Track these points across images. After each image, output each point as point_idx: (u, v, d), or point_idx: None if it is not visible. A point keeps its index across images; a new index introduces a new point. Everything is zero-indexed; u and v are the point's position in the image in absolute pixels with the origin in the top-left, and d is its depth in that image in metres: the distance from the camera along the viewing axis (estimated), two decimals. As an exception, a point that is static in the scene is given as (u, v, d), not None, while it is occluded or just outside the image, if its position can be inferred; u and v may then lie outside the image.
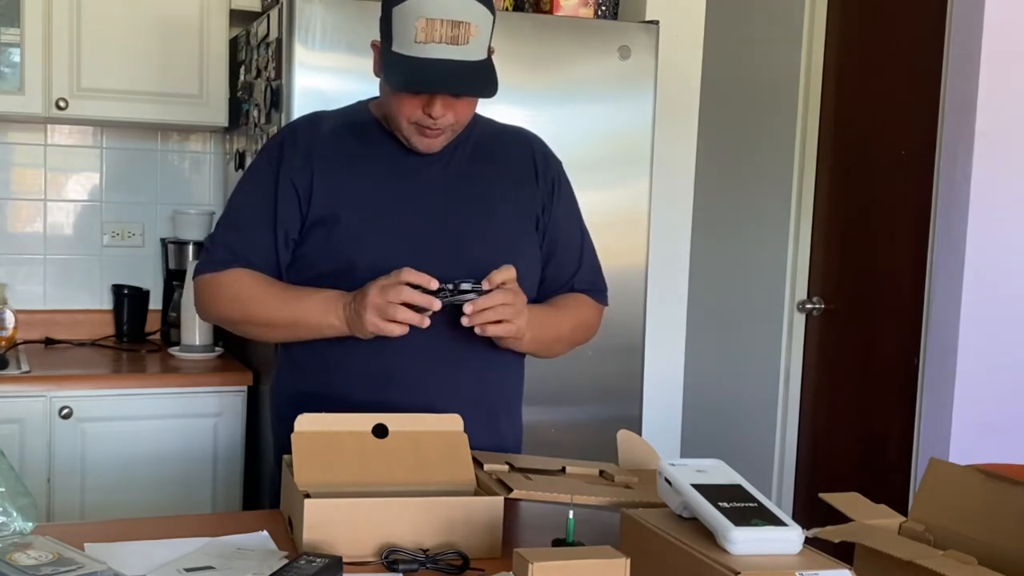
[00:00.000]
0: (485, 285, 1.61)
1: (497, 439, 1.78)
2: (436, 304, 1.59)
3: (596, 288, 1.92)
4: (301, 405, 1.66)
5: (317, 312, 1.68)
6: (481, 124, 1.83)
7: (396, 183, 1.74)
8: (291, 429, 1.80)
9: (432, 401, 1.65)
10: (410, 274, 1.59)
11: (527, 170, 1.83)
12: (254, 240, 1.75)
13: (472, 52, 1.60)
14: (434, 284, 1.59)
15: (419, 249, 1.72)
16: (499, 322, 1.63)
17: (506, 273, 1.63)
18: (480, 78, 1.63)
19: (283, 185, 1.74)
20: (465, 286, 1.61)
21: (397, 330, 1.60)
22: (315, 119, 1.83)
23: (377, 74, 1.72)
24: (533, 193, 1.83)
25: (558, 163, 1.89)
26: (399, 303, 1.58)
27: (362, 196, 1.73)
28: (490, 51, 1.66)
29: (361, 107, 1.82)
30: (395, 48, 1.61)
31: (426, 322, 1.60)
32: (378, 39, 1.70)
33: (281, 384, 1.86)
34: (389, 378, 1.71)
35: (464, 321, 1.61)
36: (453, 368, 1.74)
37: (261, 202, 1.75)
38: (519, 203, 1.81)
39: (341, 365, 1.73)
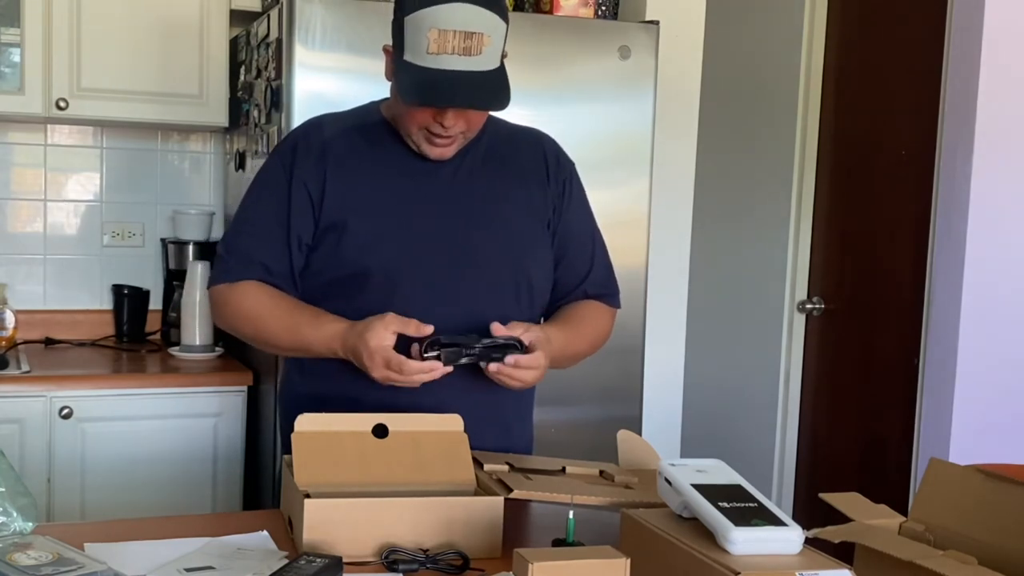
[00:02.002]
0: (524, 338, 1.64)
1: (507, 444, 1.77)
2: (442, 367, 1.61)
3: (608, 292, 1.92)
4: (310, 408, 1.66)
5: (319, 347, 1.70)
6: (493, 124, 1.81)
7: (407, 186, 1.74)
8: None
9: (442, 405, 1.64)
10: (412, 367, 1.60)
11: (539, 172, 1.82)
12: (268, 247, 1.74)
13: (484, 62, 1.59)
14: (439, 371, 1.61)
15: (429, 254, 1.71)
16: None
17: (539, 342, 1.65)
18: (492, 89, 1.61)
19: (296, 191, 1.73)
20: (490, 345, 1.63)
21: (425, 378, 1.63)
22: (326, 122, 1.81)
23: (389, 78, 1.71)
24: (544, 195, 1.82)
25: (570, 164, 1.89)
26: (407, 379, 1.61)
27: (373, 201, 1.73)
28: (503, 55, 1.65)
29: (372, 108, 1.81)
30: (407, 57, 1.60)
31: (448, 368, 1.62)
32: (389, 43, 1.68)
33: (290, 387, 1.86)
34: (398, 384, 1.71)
35: (484, 365, 1.63)
36: (464, 372, 1.73)
37: (274, 208, 1.74)
38: (531, 205, 1.80)
39: (350, 369, 1.73)
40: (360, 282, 1.70)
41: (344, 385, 1.72)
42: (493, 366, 1.61)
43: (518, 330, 1.64)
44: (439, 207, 1.74)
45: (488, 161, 1.78)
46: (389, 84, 1.72)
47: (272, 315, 1.73)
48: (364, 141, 1.76)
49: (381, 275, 1.69)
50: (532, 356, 1.63)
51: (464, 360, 1.61)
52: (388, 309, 1.69)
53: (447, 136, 1.66)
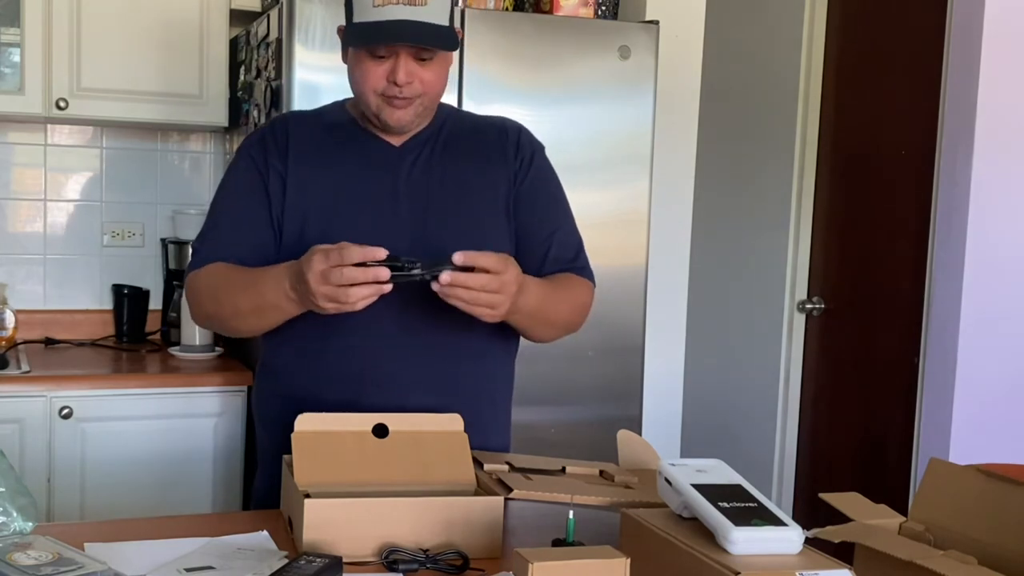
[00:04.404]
0: (457, 259, 1.51)
1: (481, 440, 1.71)
2: (383, 274, 1.49)
3: (577, 266, 1.85)
4: (276, 407, 1.64)
5: (272, 294, 1.63)
6: (458, 116, 1.84)
7: (368, 180, 1.74)
8: (268, 430, 1.81)
9: (406, 400, 1.64)
10: (352, 253, 1.49)
11: (498, 153, 1.81)
12: (245, 234, 1.73)
13: (432, 14, 1.61)
14: (381, 253, 1.49)
15: (387, 245, 1.68)
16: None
17: (499, 263, 1.55)
18: (438, 34, 1.63)
19: (273, 179, 1.73)
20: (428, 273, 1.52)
21: (360, 306, 1.52)
22: (291, 118, 1.83)
23: (345, 60, 1.73)
24: (503, 171, 1.80)
25: (535, 145, 1.86)
26: (347, 285, 1.50)
27: (334, 195, 1.73)
28: (457, 30, 1.68)
29: (337, 106, 1.82)
30: (356, 19, 1.64)
31: (386, 288, 1.50)
32: (343, 24, 1.70)
33: (259, 387, 1.86)
34: (360, 378, 1.70)
35: (434, 287, 1.53)
36: (428, 366, 1.72)
37: (252, 197, 1.74)
38: (493, 189, 1.79)
39: (313, 366, 1.73)
40: None
41: (307, 385, 1.72)
42: (435, 285, 1.52)
43: (481, 259, 1.54)
44: (398, 197, 1.73)
45: (448, 149, 1.78)
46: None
47: (228, 279, 1.70)
48: (328, 136, 1.77)
49: None
50: (473, 276, 1.53)
51: (404, 272, 1.50)
52: None
53: (403, 97, 1.66)
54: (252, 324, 1.73)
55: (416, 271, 1.52)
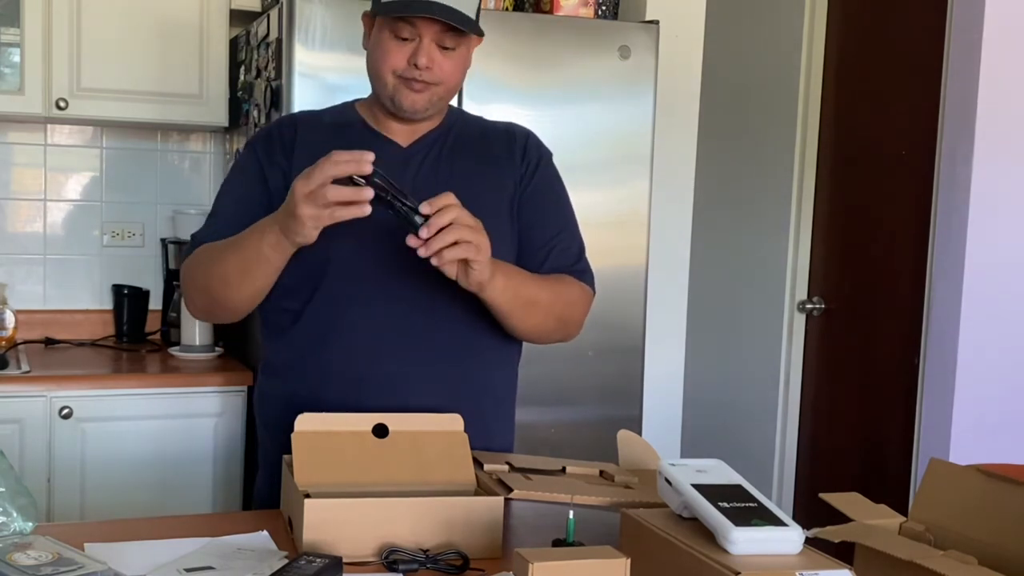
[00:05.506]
0: (425, 209, 1.51)
1: (484, 441, 1.71)
2: (368, 193, 1.49)
3: (576, 270, 1.84)
4: (277, 408, 1.63)
5: (253, 242, 1.62)
6: (465, 121, 1.84)
7: None
8: (269, 431, 1.80)
9: (407, 401, 1.64)
10: (335, 165, 1.48)
11: (505, 154, 1.82)
12: (245, 225, 1.70)
13: (460, 2, 1.64)
14: (368, 158, 1.48)
15: (390, 241, 1.70)
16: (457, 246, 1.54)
17: (447, 198, 1.54)
18: (465, 20, 1.66)
19: (272, 176, 1.73)
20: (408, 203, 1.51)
21: (346, 214, 1.51)
22: (299, 117, 1.84)
23: (365, 46, 1.74)
24: (509, 174, 1.80)
25: (542, 151, 1.87)
26: (332, 203, 1.50)
27: None
28: (478, 13, 1.71)
29: (347, 107, 1.83)
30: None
31: (366, 210, 1.50)
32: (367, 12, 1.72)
33: (260, 387, 1.86)
34: (362, 379, 1.70)
35: (413, 241, 1.51)
36: (430, 367, 1.72)
37: (251, 192, 1.74)
38: (500, 191, 1.79)
39: (314, 367, 1.72)
40: (322, 270, 1.70)
41: (309, 386, 1.71)
42: (423, 232, 1.50)
43: (440, 199, 1.54)
44: None
45: (455, 151, 1.79)
46: None
47: (215, 248, 1.70)
48: (335, 136, 1.76)
49: (342, 263, 1.69)
50: (445, 212, 1.52)
51: (387, 200, 1.50)
52: (349, 296, 1.69)
53: (421, 81, 1.68)
54: (242, 291, 1.68)
55: (399, 203, 1.51)
